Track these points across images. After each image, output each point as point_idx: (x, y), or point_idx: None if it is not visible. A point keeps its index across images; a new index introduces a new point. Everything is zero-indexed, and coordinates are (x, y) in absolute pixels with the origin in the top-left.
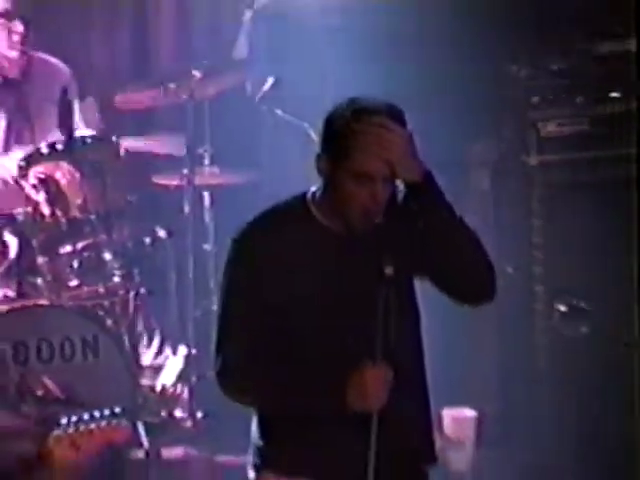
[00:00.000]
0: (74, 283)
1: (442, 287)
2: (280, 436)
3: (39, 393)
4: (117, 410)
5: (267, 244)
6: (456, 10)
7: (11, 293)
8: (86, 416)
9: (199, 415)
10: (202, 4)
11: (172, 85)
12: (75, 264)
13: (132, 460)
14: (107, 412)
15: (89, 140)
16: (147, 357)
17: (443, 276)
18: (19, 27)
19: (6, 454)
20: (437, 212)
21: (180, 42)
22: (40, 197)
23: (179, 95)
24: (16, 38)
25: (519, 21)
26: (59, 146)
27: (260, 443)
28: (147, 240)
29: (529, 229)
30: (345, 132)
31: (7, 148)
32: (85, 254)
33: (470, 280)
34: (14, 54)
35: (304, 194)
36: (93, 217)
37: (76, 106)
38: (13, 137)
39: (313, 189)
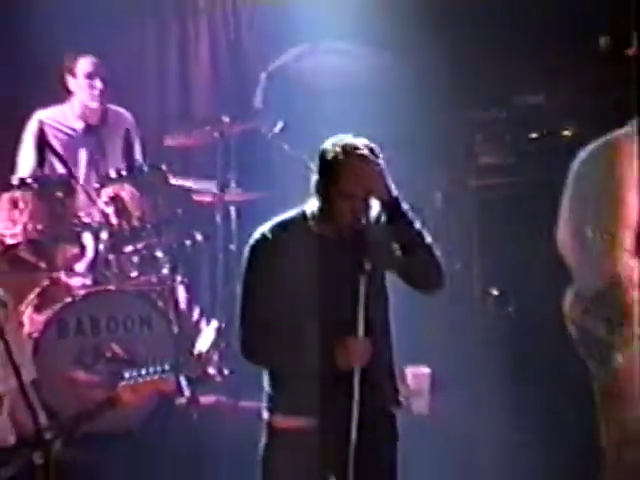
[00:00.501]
0: (134, 274)
1: (405, 279)
2: (284, 387)
3: (108, 355)
4: (166, 367)
5: (275, 246)
6: (425, 71)
7: (89, 282)
8: (143, 372)
9: (226, 372)
10: (230, 67)
11: (207, 127)
12: (135, 260)
13: (177, 405)
14: (158, 369)
15: (145, 169)
16: (188, 329)
17: (406, 270)
18: (99, 84)
19: (86, 400)
20: (402, 223)
21: (213, 95)
22: (110, 210)
23: (212, 135)
24: (96, 93)
25: (470, 77)
26: (124, 173)
27: (271, 392)
28: (188, 242)
29: (470, 235)
30: (334, 163)
31: (88, 176)
32: (142, 252)
33: (426, 274)
34: (95, 105)
35: (303, 209)
36: (148, 225)
37: (137, 143)
38: (93, 168)
39: (309, 205)
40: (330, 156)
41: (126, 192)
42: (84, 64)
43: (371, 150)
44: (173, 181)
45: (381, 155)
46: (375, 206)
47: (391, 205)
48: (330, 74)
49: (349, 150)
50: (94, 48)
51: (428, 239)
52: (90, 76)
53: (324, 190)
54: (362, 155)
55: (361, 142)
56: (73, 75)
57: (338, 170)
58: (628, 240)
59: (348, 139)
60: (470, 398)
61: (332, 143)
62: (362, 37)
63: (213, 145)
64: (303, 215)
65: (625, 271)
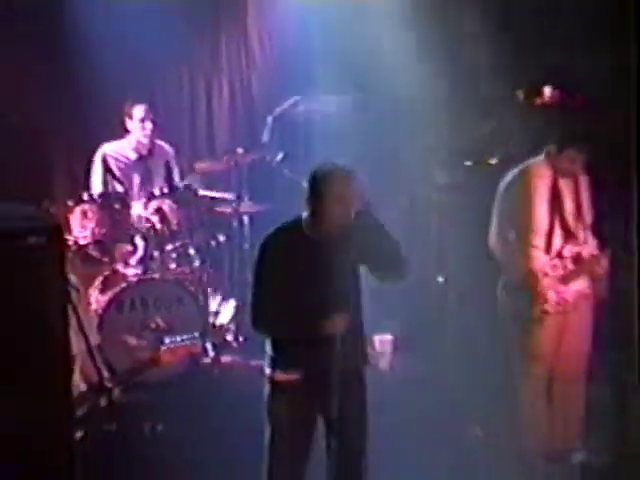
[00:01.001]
0: (173, 266)
1: (375, 271)
2: (282, 350)
3: (153, 326)
4: (195, 335)
5: (276, 246)
6: (390, 110)
7: (139, 272)
8: (178, 338)
9: (240, 339)
10: (244, 112)
11: (226, 157)
12: (173, 256)
13: (203, 363)
14: (190, 336)
15: (181, 187)
16: (213, 306)
17: (376, 265)
18: (149, 125)
19: (137, 359)
20: (373, 228)
21: (231, 133)
22: (154, 219)
23: (230, 162)
24: (147, 132)
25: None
26: (165, 191)
27: (272, 354)
28: (213, 242)
29: (428, 233)
30: (321, 183)
31: (139, 194)
32: (179, 250)
33: (392, 268)
34: (145, 141)
35: (299, 217)
36: (183, 229)
37: (175, 169)
38: (142, 187)
39: (303, 214)
40: (318, 177)
41: (166, 205)
42: (139, 110)
43: (349, 172)
44: (202, 197)
45: (356, 176)
46: (352, 215)
47: (365, 213)
48: (318, 117)
49: (332, 173)
50: (146, 97)
51: (393, 239)
52: (143, 119)
53: (313, 203)
54: (342, 176)
55: (341, 167)
56: (130, 118)
57: (324, 188)
58: (539, 241)
59: (331, 165)
60: (421, 358)
61: (319, 168)
62: (339, 90)
63: (231, 170)
64: (298, 222)
65: (536, 265)
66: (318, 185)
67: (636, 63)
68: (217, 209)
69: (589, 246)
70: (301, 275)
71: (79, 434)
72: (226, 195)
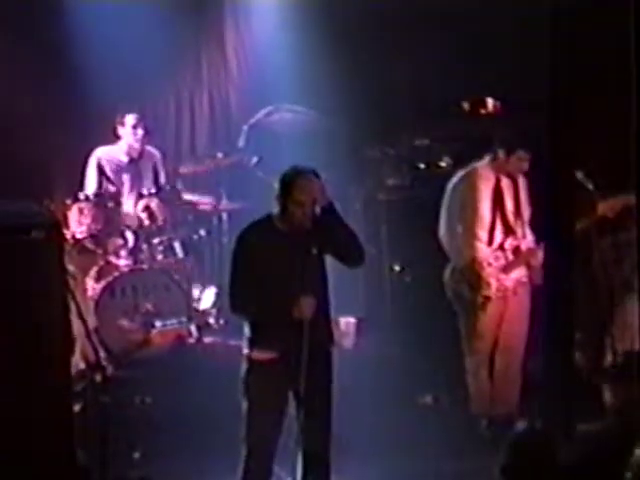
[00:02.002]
0: (160, 257)
1: (338, 258)
2: (258, 331)
3: (143, 311)
4: (182, 319)
5: (251, 239)
6: (347, 122)
7: (130, 262)
8: (167, 322)
9: (221, 322)
10: (223, 121)
11: (207, 161)
12: (160, 248)
13: (188, 344)
14: (176, 320)
15: (167, 188)
16: (196, 293)
17: (338, 252)
18: (140, 132)
19: (129, 340)
20: (335, 221)
21: (212, 139)
22: (143, 215)
23: (210, 166)
24: (138, 138)
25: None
26: (152, 191)
27: (249, 335)
28: (195, 236)
29: (380, 231)
30: (290, 183)
31: (130, 195)
32: (165, 243)
33: (352, 255)
34: (136, 146)
35: (271, 213)
36: (168, 225)
37: (161, 171)
38: (133, 188)
39: (274, 211)
40: (287, 178)
41: (154, 204)
42: (130, 118)
43: (314, 173)
44: (185, 196)
45: (321, 176)
46: (317, 210)
47: (328, 209)
48: (288, 125)
49: (299, 174)
50: (136, 108)
51: (352, 231)
52: (135, 126)
53: (283, 201)
54: (308, 176)
55: (307, 168)
56: (122, 125)
57: (292, 187)
58: (483, 235)
59: (298, 168)
60: (380, 337)
61: (288, 171)
62: (306, 102)
63: (211, 172)
64: (270, 217)
65: (480, 255)
66: (287, 186)
67: (636, 63)
68: (199, 207)
69: (527, 240)
70: (272, 264)
71: (78, 405)
72: (207, 195)
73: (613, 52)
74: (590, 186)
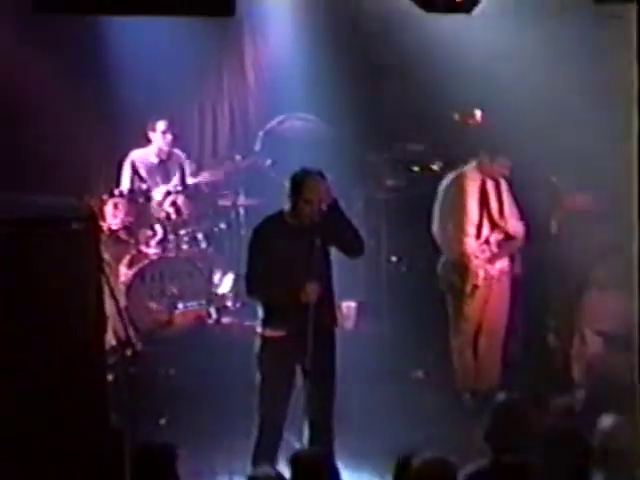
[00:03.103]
0: (185, 247)
1: (340, 249)
2: (270, 312)
3: (169, 294)
4: (202, 302)
5: (265, 232)
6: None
7: (158, 251)
8: (189, 304)
9: (238, 305)
10: (241, 127)
11: (227, 163)
12: (185, 239)
13: (208, 323)
14: (197, 303)
15: (192, 186)
16: (215, 279)
17: (341, 245)
18: (169, 137)
19: (156, 320)
20: (339, 216)
21: (231, 143)
22: (171, 210)
23: (230, 166)
24: (167, 142)
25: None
26: (179, 188)
27: (262, 316)
28: (216, 229)
29: (378, 223)
30: (299, 182)
31: (159, 192)
32: (190, 235)
33: (353, 247)
34: (165, 149)
35: (282, 209)
36: (193, 219)
37: (187, 171)
38: (163, 186)
39: (285, 207)
40: (297, 179)
41: (180, 200)
42: (160, 125)
43: (321, 174)
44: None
45: (326, 177)
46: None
47: (333, 206)
48: (298, 132)
49: (307, 175)
50: (166, 115)
51: (353, 226)
52: (164, 132)
53: (293, 198)
54: (315, 177)
55: (313, 170)
56: (153, 131)
57: (301, 186)
58: (471, 230)
59: (306, 169)
60: (378, 319)
61: (297, 172)
62: (314, 111)
63: (231, 172)
64: (281, 213)
65: (468, 249)
66: (296, 185)
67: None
68: (219, 203)
69: (511, 234)
70: (282, 254)
71: (111, 377)
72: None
73: None
74: (559, 186)
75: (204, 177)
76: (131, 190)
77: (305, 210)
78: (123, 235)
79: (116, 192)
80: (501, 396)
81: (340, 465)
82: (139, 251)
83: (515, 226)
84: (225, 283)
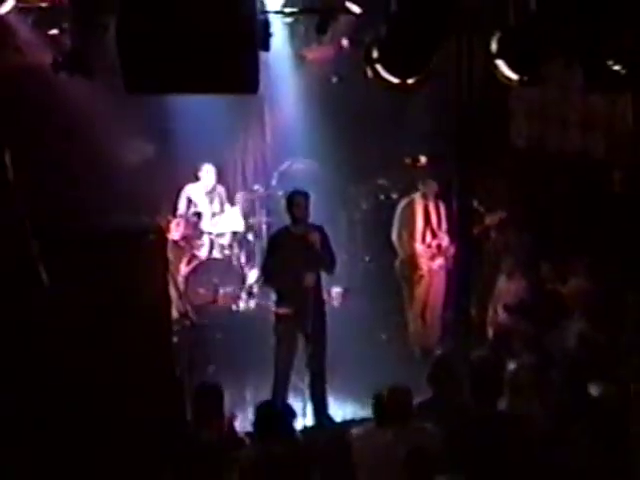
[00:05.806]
0: (225, 252)
1: (321, 268)
2: (281, 295)
3: (213, 283)
4: (236, 288)
5: (276, 239)
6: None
7: (207, 255)
8: (227, 289)
9: (260, 291)
10: (262, 167)
11: (252, 193)
12: (225, 245)
13: (240, 304)
14: (232, 288)
15: (230, 208)
16: (245, 272)
17: (323, 265)
18: (213, 175)
19: (204, 300)
20: (324, 239)
21: (254, 178)
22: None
23: (254, 195)
24: (211, 177)
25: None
26: (219, 210)
27: (276, 298)
28: (246, 239)
29: (355, 235)
30: (290, 202)
31: (206, 214)
32: (228, 243)
33: (330, 268)
34: (210, 183)
35: (288, 224)
36: (230, 232)
37: (225, 199)
38: (209, 210)
39: (289, 222)
40: (289, 198)
41: (221, 219)
42: (206, 167)
43: (306, 194)
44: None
45: (310, 198)
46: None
47: (321, 230)
48: (301, 171)
49: (296, 194)
50: (210, 160)
51: (332, 251)
52: (208, 172)
53: (290, 214)
54: (301, 198)
55: (301, 190)
56: (201, 171)
57: (291, 204)
58: (418, 238)
59: (296, 189)
60: (356, 300)
61: (290, 191)
62: (312, 156)
63: (255, 199)
64: (287, 226)
65: (417, 251)
66: (288, 199)
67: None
68: (249, 221)
69: (444, 241)
70: (288, 253)
71: (175, 339)
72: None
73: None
74: (480, 208)
75: (237, 203)
76: (187, 213)
77: (298, 224)
78: (182, 244)
79: (177, 214)
80: (439, 351)
81: (331, 399)
82: (193, 255)
83: (444, 237)
84: (252, 276)
